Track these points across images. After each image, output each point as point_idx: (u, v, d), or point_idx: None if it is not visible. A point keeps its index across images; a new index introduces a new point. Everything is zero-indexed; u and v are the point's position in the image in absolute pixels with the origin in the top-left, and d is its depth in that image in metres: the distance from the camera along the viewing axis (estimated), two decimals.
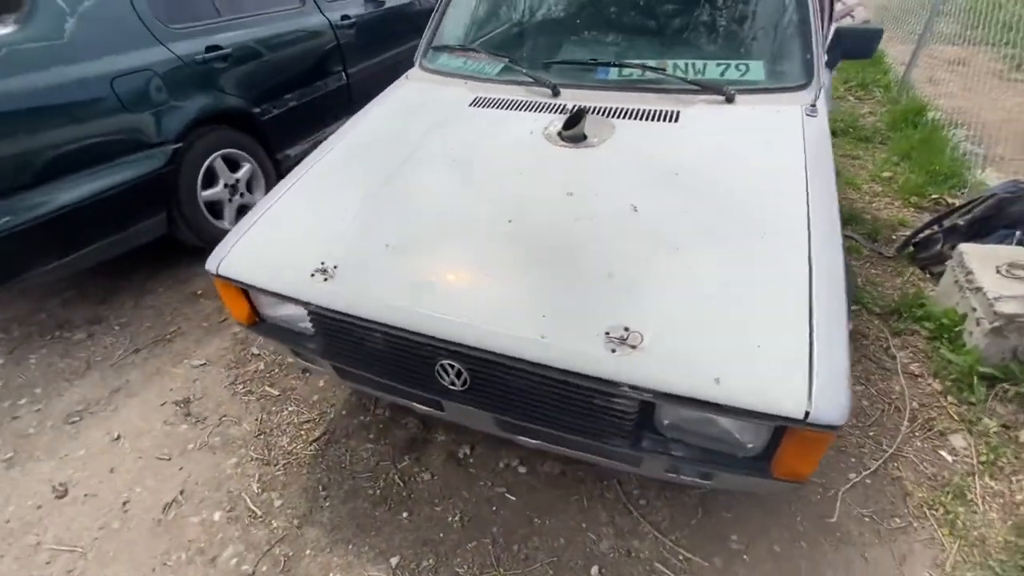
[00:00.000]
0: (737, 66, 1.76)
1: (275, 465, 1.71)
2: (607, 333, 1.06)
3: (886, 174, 3.18)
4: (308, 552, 1.48)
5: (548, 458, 1.67)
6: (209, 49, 2.43)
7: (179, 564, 1.47)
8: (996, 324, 1.72)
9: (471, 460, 1.70)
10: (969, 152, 3.04)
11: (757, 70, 1.74)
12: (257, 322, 1.51)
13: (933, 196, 2.81)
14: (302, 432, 1.81)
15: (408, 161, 1.59)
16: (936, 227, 2.33)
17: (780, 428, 1.02)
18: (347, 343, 1.34)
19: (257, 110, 2.71)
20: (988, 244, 2.04)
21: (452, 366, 1.18)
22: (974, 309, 1.85)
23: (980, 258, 1.92)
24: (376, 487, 1.63)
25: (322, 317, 1.30)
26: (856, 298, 2.22)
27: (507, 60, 1.94)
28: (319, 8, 3.07)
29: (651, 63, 1.78)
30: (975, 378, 1.76)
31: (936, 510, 1.50)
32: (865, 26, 1.98)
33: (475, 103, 1.82)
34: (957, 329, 1.91)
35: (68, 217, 1.99)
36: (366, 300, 1.21)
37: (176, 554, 1.49)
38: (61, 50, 1.97)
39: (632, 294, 1.12)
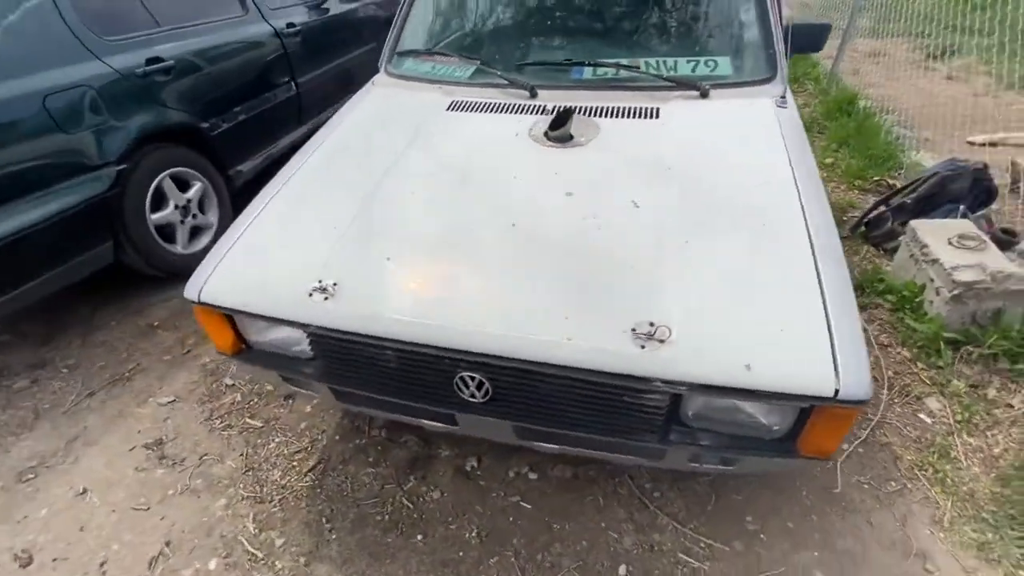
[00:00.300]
0: (706, 62, 1.81)
1: (270, 502, 1.59)
2: (633, 329, 1.05)
3: (828, 160, 3.38)
4: None
5: (559, 462, 1.65)
6: (150, 61, 2.25)
7: None
8: (956, 292, 1.85)
9: (479, 472, 1.65)
10: (901, 135, 3.29)
11: (725, 65, 1.80)
12: (242, 350, 1.40)
13: (875, 178, 3.01)
14: (294, 463, 1.70)
15: (393, 170, 1.52)
16: (885, 207, 2.50)
17: (806, 408, 1.04)
18: (351, 364, 1.26)
19: (205, 125, 2.54)
20: (935, 219, 2.20)
21: (473, 378, 1.14)
22: (932, 280, 1.99)
23: (932, 232, 2.07)
24: (384, 512, 1.55)
25: (323, 338, 1.22)
26: None
27: (478, 63, 1.92)
28: (263, 16, 2.93)
29: (624, 62, 1.81)
30: (941, 343, 1.89)
31: (926, 471, 1.59)
32: (815, 21, 2.09)
33: (452, 107, 1.78)
34: (918, 300, 2.05)
35: (3, 252, 1.78)
36: (375, 317, 1.14)
37: None
38: None
39: (652, 289, 1.12)
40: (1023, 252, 2.00)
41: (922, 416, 1.76)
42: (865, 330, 2.08)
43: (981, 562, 1.38)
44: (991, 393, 1.77)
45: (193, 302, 1.29)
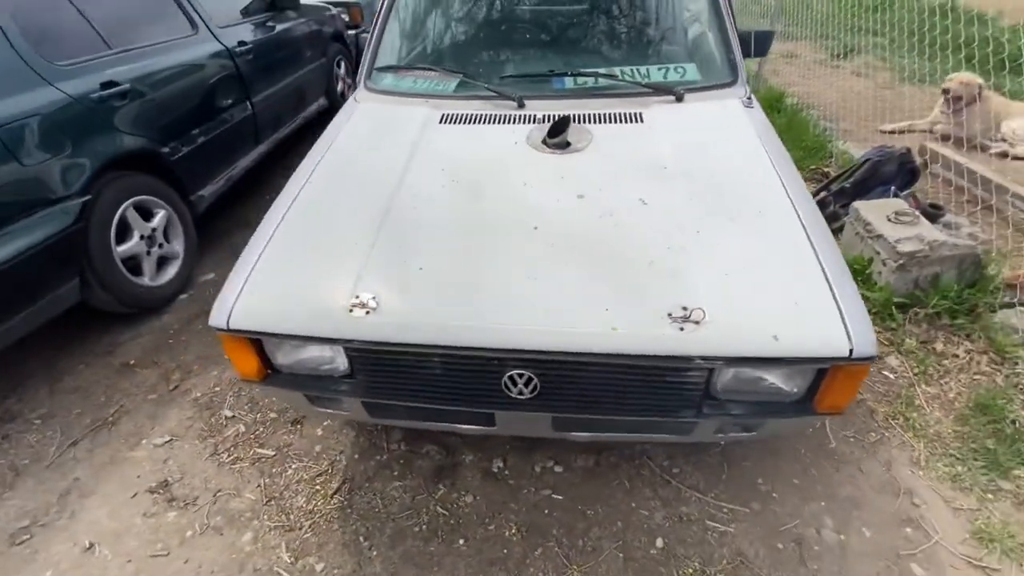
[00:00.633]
0: (675, 69, 1.97)
1: (300, 528, 1.56)
2: (670, 314, 1.14)
3: None
4: None
5: (581, 452, 1.73)
6: (105, 86, 2.13)
7: None
8: (901, 262, 2.11)
9: (506, 472, 1.70)
10: (827, 128, 3.66)
11: (693, 71, 1.96)
12: (268, 374, 1.37)
13: (811, 167, 3.33)
14: (318, 487, 1.67)
15: (403, 184, 1.55)
16: (826, 192, 2.78)
17: (822, 370, 1.18)
18: (393, 376, 1.28)
19: (166, 149, 2.42)
20: (871, 200, 2.49)
21: (521, 375, 1.19)
22: (878, 253, 2.25)
23: (872, 211, 2.34)
24: (420, 523, 1.56)
25: (366, 353, 1.23)
26: None
27: (461, 76, 1.98)
28: (213, 35, 2.82)
29: (602, 71, 1.94)
30: (892, 308, 2.14)
31: (898, 420, 1.81)
32: (760, 29, 2.31)
33: (444, 120, 1.83)
34: (868, 272, 2.31)
35: None
36: (424, 326, 1.18)
37: None
38: None
39: (677, 276, 1.22)
40: (947, 223, 2.30)
41: (886, 373, 1.99)
42: None
43: (956, 491, 1.59)
44: (939, 347, 2.03)
45: (221, 329, 1.26)
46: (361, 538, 1.53)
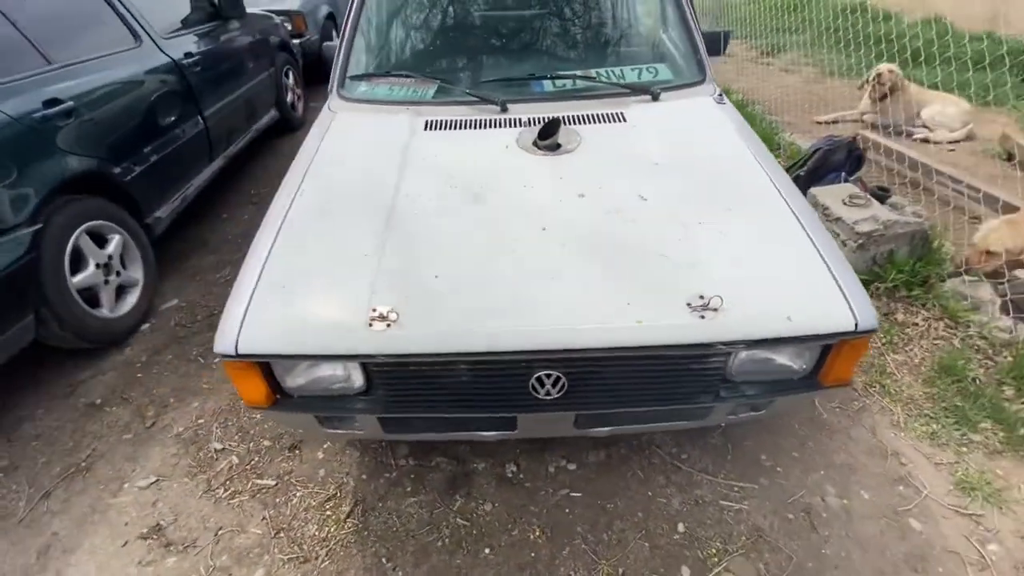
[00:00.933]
0: (648, 69, 2.04)
1: (316, 558, 1.49)
2: (689, 304, 1.19)
3: None
4: None
5: (591, 448, 1.75)
6: (48, 104, 1.96)
7: None
8: (860, 242, 2.28)
9: (521, 476, 1.69)
10: (773, 121, 3.89)
11: (664, 71, 2.04)
12: (276, 399, 1.31)
13: None
14: (328, 512, 1.60)
15: (400, 193, 1.52)
16: None
17: (827, 346, 1.26)
18: (415, 388, 1.26)
19: (117, 170, 2.25)
20: (825, 186, 2.66)
21: (549, 375, 1.20)
22: (838, 234, 2.41)
23: (828, 196, 2.50)
24: (442, 537, 1.53)
25: (387, 367, 1.20)
26: None
27: (439, 82, 1.96)
28: (158, 46, 2.66)
29: (578, 73, 1.98)
30: None
31: (874, 387, 1.95)
32: (718, 29, 2.42)
33: (429, 127, 1.81)
34: None
35: None
36: (450, 334, 1.16)
37: None
38: None
39: (690, 266, 1.27)
40: (894, 204, 2.51)
41: None
42: None
43: (935, 448, 1.73)
44: (900, 317, 2.20)
45: (228, 357, 1.18)
46: (383, 560, 1.48)
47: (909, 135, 3.78)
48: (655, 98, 1.91)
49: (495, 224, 1.41)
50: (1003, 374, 1.91)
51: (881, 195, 2.53)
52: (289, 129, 4.19)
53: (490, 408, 1.29)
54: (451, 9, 2.21)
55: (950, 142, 3.67)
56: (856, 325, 1.17)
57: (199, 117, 2.86)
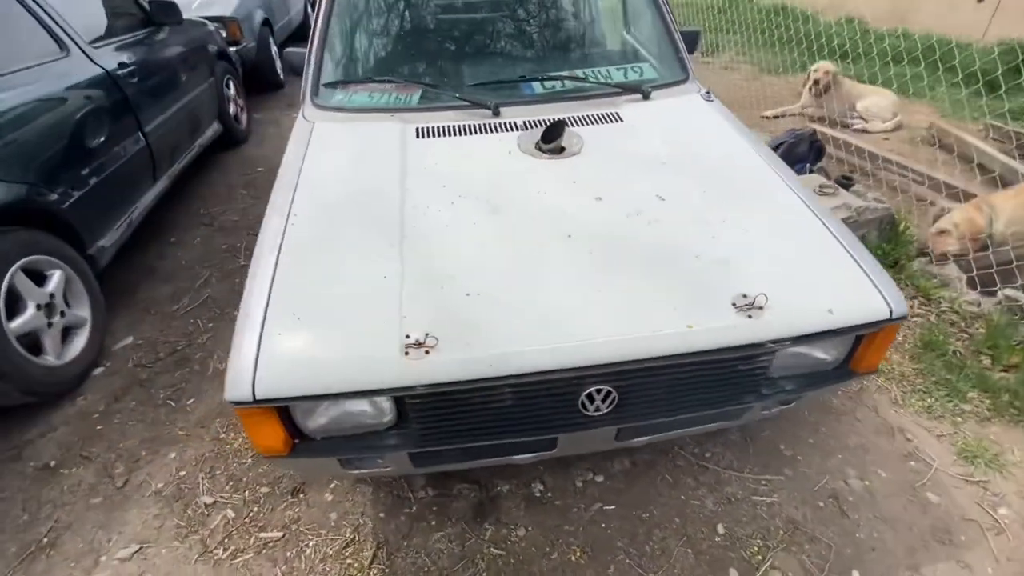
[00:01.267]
0: (633, 68, 2.03)
1: None
2: (734, 304, 1.16)
3: None
4: None
5: (614, 458, 1.70)
6: None
7: None
8: None
9: (549, 494, 1.62)
10: None
11: (649, 70, 2.04)
12: (296, 445, 1.17)
13: None
14: (349, 559, 1.46)
15: (406, 207, 1.41)
16: None
17: (859, 336, 1.27)
18: (454, 416, 1.15)
19: (53, 197, 1.97)
20: None
21: (599, 390, 1.14)
22: None
23: None
24: (479, 571, 1.43)
25: (425, 397, 1.09)
26: None
27: (423, 87, 1.86)
28: (88, 56, 2.37)
29: (565, 73, 1.94)
30: None
31: None
32: (689, 28, 2.46)
33: (421, 134, 1.70)
34: None
35: None
36: (497, 356, 1.07)
37: None
38: None
39: (727, 265, 1.25)
40: (858, 191, 2.64)
41: None
42: None
43: (932, 420, 1.82)
44: None
45: (244, 404, 1.04)
46: None
47: (847, 126, 4.03)
48: (646, 97, 1.90)
49: (516, 233, 1.33)
50: (979, 345, 2.04)
51: (845, 183, 2.66)
52: (233, 143, 3.89)
53: (534, 430, 1.21)
54: (430, 10, 2.11)
55: (884, 132, 3.95)
56: (891, 313, 1.19)
57: (139, 133, 2.57)
